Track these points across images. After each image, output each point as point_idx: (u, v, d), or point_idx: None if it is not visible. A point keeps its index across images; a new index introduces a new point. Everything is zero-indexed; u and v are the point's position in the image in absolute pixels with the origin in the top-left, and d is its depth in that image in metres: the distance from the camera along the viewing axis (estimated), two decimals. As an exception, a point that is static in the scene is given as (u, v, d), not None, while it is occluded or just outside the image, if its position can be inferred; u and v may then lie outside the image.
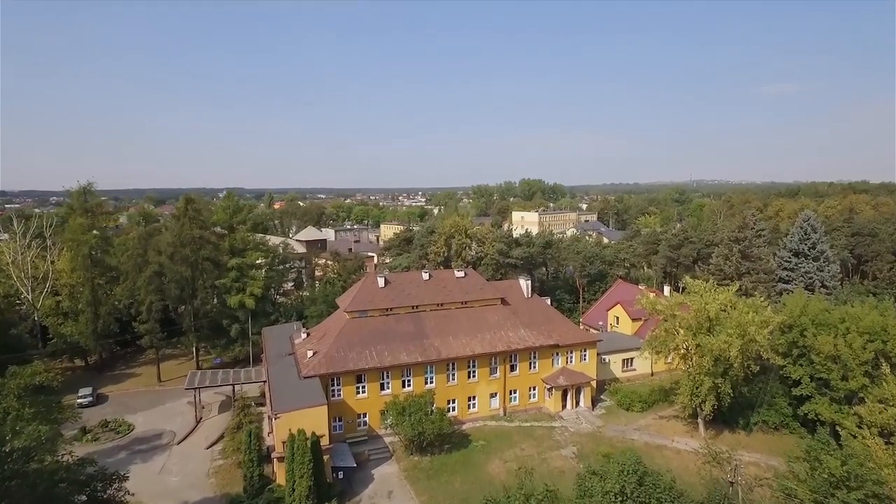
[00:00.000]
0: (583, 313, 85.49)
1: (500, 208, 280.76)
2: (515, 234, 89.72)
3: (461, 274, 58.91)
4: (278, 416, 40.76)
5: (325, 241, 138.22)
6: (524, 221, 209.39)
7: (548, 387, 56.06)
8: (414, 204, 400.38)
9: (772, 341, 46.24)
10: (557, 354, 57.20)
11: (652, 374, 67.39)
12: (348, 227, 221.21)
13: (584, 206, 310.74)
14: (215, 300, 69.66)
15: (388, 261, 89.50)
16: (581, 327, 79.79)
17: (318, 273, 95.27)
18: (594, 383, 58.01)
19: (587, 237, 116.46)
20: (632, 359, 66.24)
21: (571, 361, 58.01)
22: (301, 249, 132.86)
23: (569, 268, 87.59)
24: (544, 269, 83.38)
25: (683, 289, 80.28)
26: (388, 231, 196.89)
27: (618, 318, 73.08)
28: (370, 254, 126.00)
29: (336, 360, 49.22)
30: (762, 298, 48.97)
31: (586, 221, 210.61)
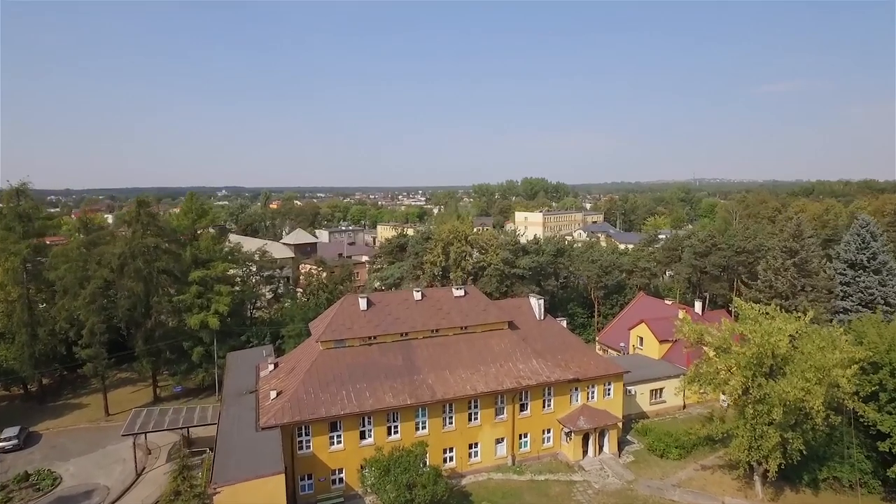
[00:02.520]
0: (599, 330, 75.66)
1: (501, 208, 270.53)
2: (521, 239, 79.83)
3: (460, 292, 49.06)
4: (217, 489, 30.93)
5: (315, 244, 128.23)
6: (528, 222, 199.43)
7: (565, 430, 46.28)
8: (413, 203, 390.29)
9: (855, 383, 36.32)
10: (577, 390, 47.39)
11: (684, 407, 57.68)
12: (343, 228, 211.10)
13: (588, 206, 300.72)
14: (175, 319, 59.79)
15: (378, 270, 79.59)
16: (598, 348, 70.18)
17: (302, 282, 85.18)
18: (620, 424, 48.19)
19: (600, 242, 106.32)
20: (661, 389, 56.51)
21: (593, 397, 48.20)
22: (288, 254, 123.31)
23: (581, 277, 77.54)
24: (555, 279, 73.43)
25: (725, 307, 71.02)
26: (385, 233, 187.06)
27: (642, 338, 63.24)
28: (364, 258, 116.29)
29: (304, 405, 39.42)
30: (838, 327, 38.92)
31: (594, 223, 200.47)
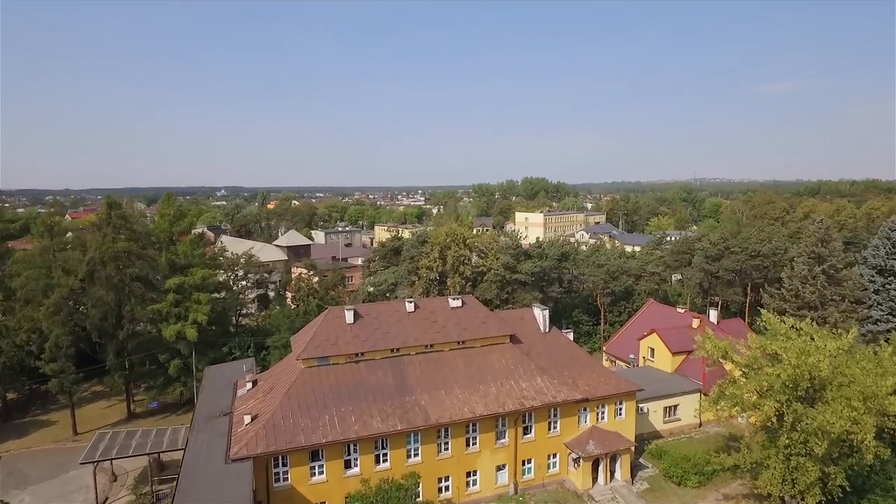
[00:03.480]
0: (605, 339, 71.32)
1: (501, 208, 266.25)
2: (523, 240, 75.46)
3: (457, 303, 44.65)
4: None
5: (308, 246, 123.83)
6: (528, 223, 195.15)
7: (573, 455, 41.93)
8: (412, 204, 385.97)
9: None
10: (586, 410, 43.02)
11: (700, 425, 53.33)
12: (340, 229, 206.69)
13: (589, 206, 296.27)
14: (150, 330, 55.46)
15: (372, 275, 75.20)
16: (604, 359, 65.87)
17: (292, 287, 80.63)
18: (633, 448, 43.81)
19: (604, 243, 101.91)
20: (676, 406, 52.16)
21: (603, 418, 43.84)
22: (281, 256, 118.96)
23: (586, 282, 73.09)
24: (559, 285, 69.05)
25: (739, 314, 66.54)
26: (382, 234, 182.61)
27: (653, 349, 58.88)
28: (360, 261, 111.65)
29: (281, 432, 35.07)
30: (887, 347, 34.50)
31: (597, 223, 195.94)
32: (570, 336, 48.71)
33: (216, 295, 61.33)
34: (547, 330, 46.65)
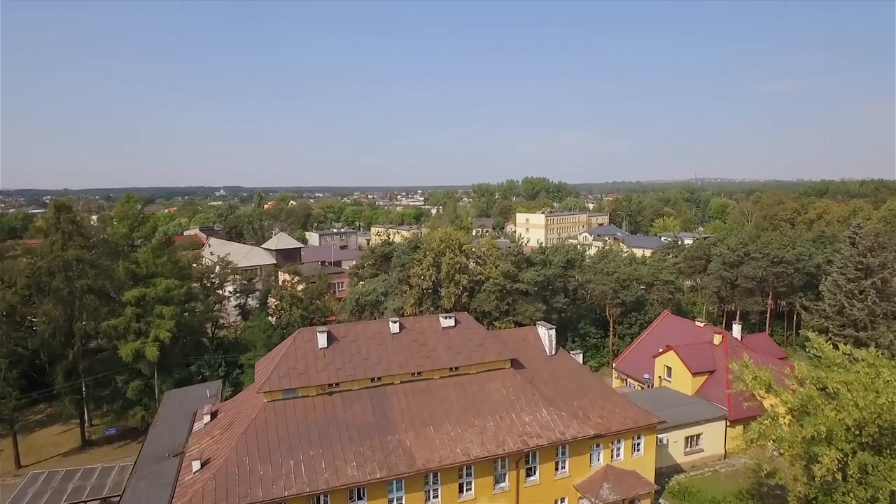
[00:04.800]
0: (615, 354, 65.28)
1: (502, 208, 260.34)
2: (524, 244, 69.30)
3: (449, 322, 38.56)
4: None
5: (298, 249, 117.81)
6: (529, 224, 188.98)
7: (585, 501, 35.89)
8: (411, 204, 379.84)
9: None
10: (599, 447, 37.01)
11: (725, 457, 47.26)
12: (335, 230, 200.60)
13: (591, 206, 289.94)
14: (107, 347, 49.48)
15: (359, 283, 69.09)
16: (614, 377, 59.87)
17: (274, 295, 74.36)
18: (654, 491, 37.77)
19: (611, 247, 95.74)
20: (698, 435, 46.11)
21: (619, 455, 37.80)
22: (270, 260, 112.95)
23: (593, 290, 66.94)
24: (564, 295, 63.00)
25: (760, 327, 60.00)
26: (377, 237, 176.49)
27: (670, 368, 52.79)
28: (351, 263, 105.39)
29: (235, 484, 29.03)
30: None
31: (600, 225, 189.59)
32: (580, 358, 42.63)
33: (191, 305, 55.36)
34: (553, 352, 40.56)
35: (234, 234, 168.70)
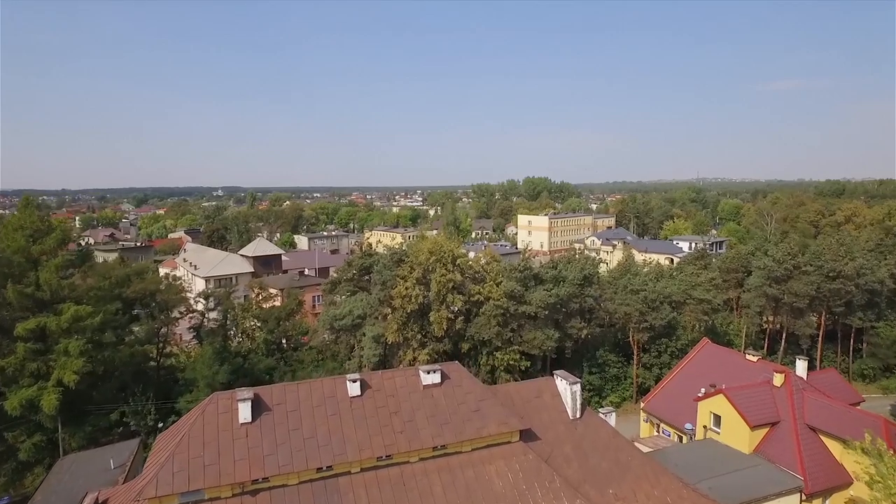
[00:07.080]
0: (639, 388, 54.29)
1: (502, 209, 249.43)
2: (528, 252, 58.25)
3: (434, 378, 27.44)
4: None
5: (279, 256, 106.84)
6: (532, 227, 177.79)
7: None
8: (408, 204, 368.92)
9: None
10: (645, 558, 26.01)
11: (798, 539, 36.18)
12: (326, 233, 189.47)
13: (594, 207, 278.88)
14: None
15: (332, 304, 57.87)
16: (643, 419, 48.85)
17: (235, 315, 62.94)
18: None
19: (629, 257, 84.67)
20: (765, 515, 35.02)
21: (671, 564, 26.79)
22: (247, 268, 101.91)
23: (614, 310, 55.85)
24: (580, 319, 52.06)
25: (822, 360, 48.42)
26: (372, 239, 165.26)
27: (718, 416, 41.59)
28: (334, 274, 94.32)
29: None
30: None
31: (608, 228, 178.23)
32: (612, 419, 31.49)
33: (119, 333, 44.33)
34: (578, 414, 29.50)
35: (217, 238, 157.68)
